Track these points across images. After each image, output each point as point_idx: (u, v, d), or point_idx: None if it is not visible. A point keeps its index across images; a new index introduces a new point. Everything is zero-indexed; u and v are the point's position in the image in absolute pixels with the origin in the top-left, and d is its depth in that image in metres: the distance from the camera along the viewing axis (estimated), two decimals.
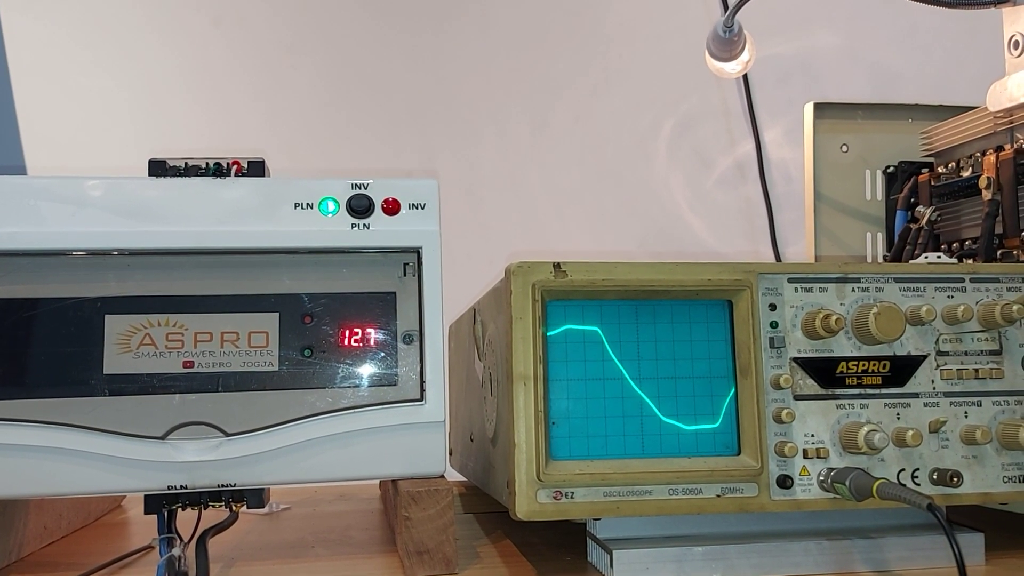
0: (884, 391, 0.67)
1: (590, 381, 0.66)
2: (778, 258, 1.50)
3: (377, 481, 1.01)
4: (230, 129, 1.51)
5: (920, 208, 0.99)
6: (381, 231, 0.71)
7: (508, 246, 1.53)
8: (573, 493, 0.63)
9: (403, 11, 1.57)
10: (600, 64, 1.60)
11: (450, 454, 1.05)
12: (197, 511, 0.70)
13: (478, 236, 1.55)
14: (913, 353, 0.68)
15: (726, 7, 1.51)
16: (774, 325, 0.67)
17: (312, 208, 0.71)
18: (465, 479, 0.98)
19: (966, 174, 0.95)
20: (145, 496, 0.68)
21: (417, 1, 1.58)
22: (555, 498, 0.63)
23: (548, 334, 0.65)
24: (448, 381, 1.04)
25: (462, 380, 0.93)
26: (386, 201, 0.72)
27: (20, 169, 1.45)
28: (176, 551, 0.67)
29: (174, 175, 0.70)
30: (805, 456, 0.66)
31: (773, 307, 0.67)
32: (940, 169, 0.99)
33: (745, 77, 1.54)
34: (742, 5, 0.95)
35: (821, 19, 1.59)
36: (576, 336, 0.66)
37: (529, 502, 0.63)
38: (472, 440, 0.86)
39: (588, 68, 1.59)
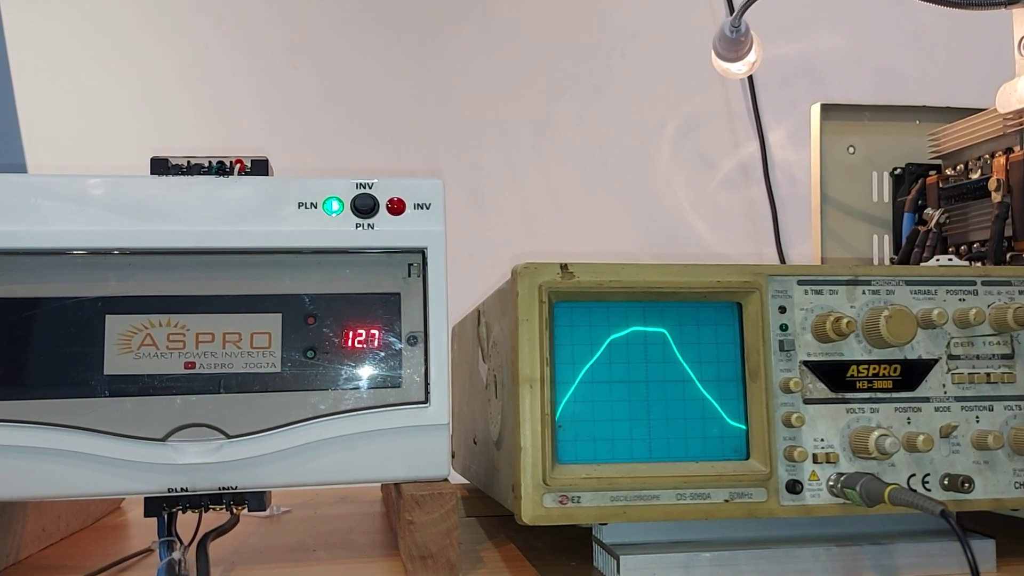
0: (895, 395, 0.67)
1: (596, 384, 0.65)
2: (782, 260, 1.49)
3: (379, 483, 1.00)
4: (232, 128, 1.50)
5: (928, 210, 0.98)
6: (386, 231, 0.70)
7: (510, 247, 1.52)
8: (579, 497, 0.63)
9: (405, 11, 1.56)
10: (603, 64, 1.59)
11: (452, 457, 1.04)
12: (198, 514, 0.69)
13: (480, 237, 1.54)
14: (924, 357, 0.67)
15: (731, 8, 1.50)
16: (784, 328, 0.66)
17: (316, 208, 0.70)
18: (468, 482, 0.97)
19: (975, 176, 0.94)
20: (145, 498, 0.67)
21: (420, 1, 1.57)
22: (561, 502, 0.62)
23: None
24: (451, 383, 1.03)
25: (465, 382, 0.92)
26: (391, 201, 0.71)
27: (21, 168, 1.45)
28: (176, 554, 0.66)
29: (176, 174, 0.69)
30: (815, 461, 0.65)
31: (783, 309, 0.67)
32: (948, 171, 0.98)
33: (749, 78, 1.54)
34: (749, 5, 0.95)
35: (825, 20, 1.59)
36: (582, 338, 0.65)
37: (535, 506, 0.62)
38: (476, 443, 0.85)
39: (591, 68, 1.59)
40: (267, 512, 0.90)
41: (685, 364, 0.66)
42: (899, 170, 1.07)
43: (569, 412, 0.64)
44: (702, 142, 1.59)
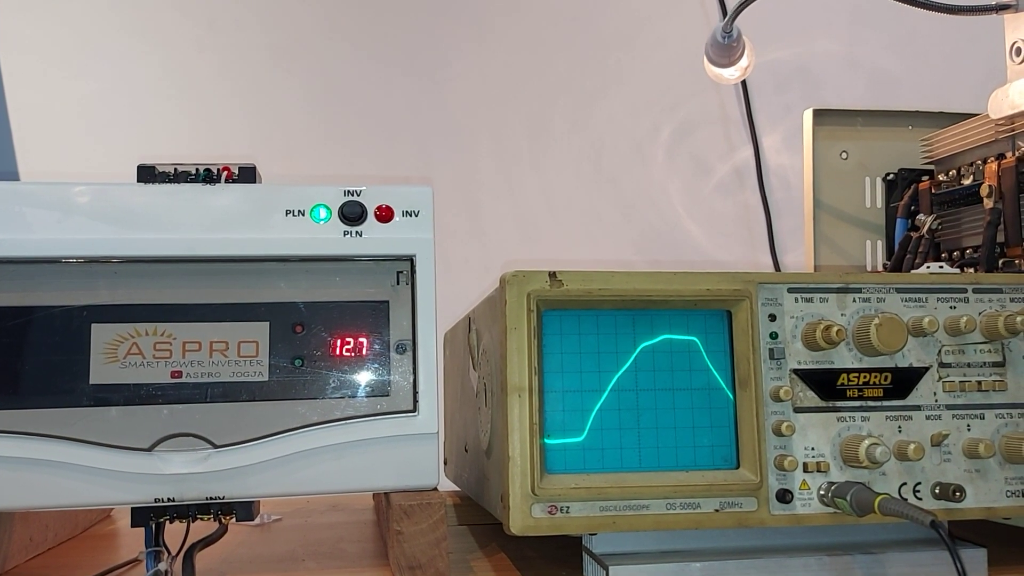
0: (885, 404, 0.66)
1: (585, 392, 0.64)
2: (777, 266, 1.49)
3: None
4: (225, 134, 1.50)
5: (920, 216, 0.98)
6: (374, 239, 0.70)
7: (505, 252, 1.52)
8: (568, 507, 0.62)
9: (400, 16, 1.56)
10: (598, 70, 1.59)
11: (445, 464, 1.04)
12: (185, 524, 0.68)
13: (475, 242, 1.54)
14: (915, 365, 0.67)
15: (725, 12, 1.50)
16: (774, 336, 0.66)
17: (304, 215, 0.69)
18: (460, 489, 0.97)
19: (967, 182, 0.94)
20: (132, 509, 0.67)
21: (414, 6, 1.57)
22: (550, 512, 0.62)
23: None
24: (443, 389, 1.03)
25: (457, 389, 0.92)
26: (379, 208, 0.70)
27: (12, 175, 1.44)
28: (163, 565, 0.66)
29: (163, 181, 0.69)
30: (805, 470, 0.65)
31: (773, 317, 0.66)
32: (941, 177, 0.98)
33: (744, 83, 1.53)
34: (741, 10, 0.94)
35: (820, 25, 1.59)
36: (572, 346, 0.65)
37: (523, 517, 0.61)
38: (467, 451, 0.85)
39: (585, 74, 1.58)
40: (257, 521, 0.90)
41: (675, 372, 0.65)
42: (892, 176, 1.06)
43: (557, 421, 0.64)
44: (697, 147, 1.59)
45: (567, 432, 0.64)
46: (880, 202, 1.08)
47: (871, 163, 1.08)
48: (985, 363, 0.68)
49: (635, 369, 0.65)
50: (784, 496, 0.64)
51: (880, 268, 1.07)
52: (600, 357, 0.65)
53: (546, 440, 0.63)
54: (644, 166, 1.58)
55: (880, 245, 1.08)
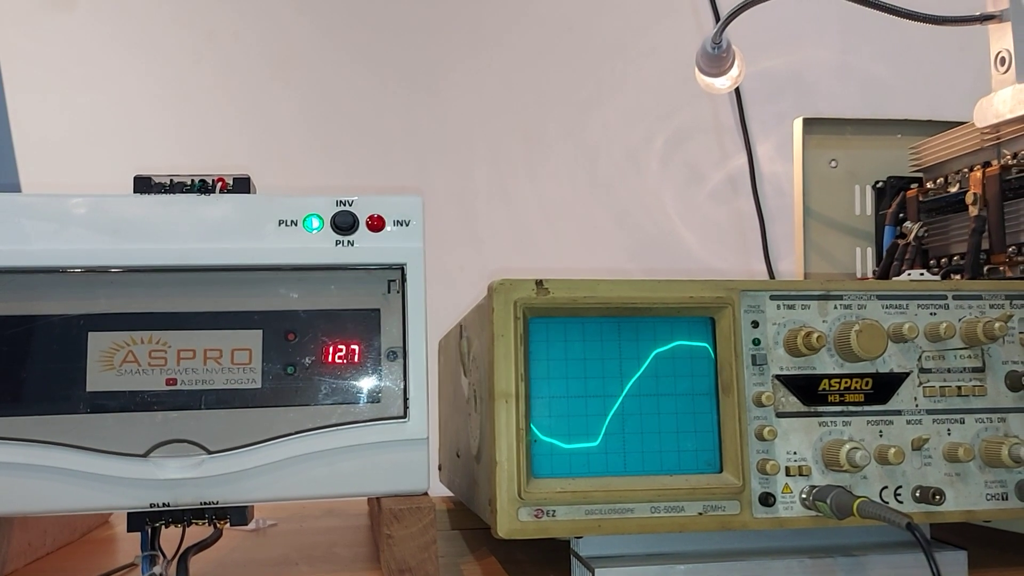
0: (866, 408, 0.67)
1: (572, 398, 0.66)
2: (771, 272, 1.50)
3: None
4: (220, 145, 1.51)
5: (908, 223, 0.99)
6: (365, 248, 0.71)
7: (500, 260, 1.53)
8: (555, 511, 0.63)
9: (396, 27, 1.58)
10: (593, 78, 1.60)
11: (439, 469, 1.05)
12: (180, 529, 0.70)
13: (471, 250, 1.55)
14: (896, 370, 0.68)
15: (718, 20, 1.51)
16: (756, 342, 0.67)
17: (296, 225, 0.71)
18: (453, 494, 0.98)
19: (953, 190, 0.95)
20: (128, 514, 0.68)
21: (410, 17, 1.58)
22: (536, 516, 0.63)
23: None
24: (438, 395, 1.04)
25: (450, 395, 0.93)
26: (371, 218, 0.72)
27: (15, 187, 1.46)
28: (158, 569, 0.67)
29: (159, 192, 0.70)
30: (787, 474, 0.66)
31: (755, 324, 0.67)
32: (928, 184, 0.99)
33: (737, 91, 1.55)
34: (729, 22, 0.96)
35: (813, 33, 1.60)
36: (558, 353, 0.66)
37: (510, 520, 0.63)
38: (458, 456, 0.86)
39: (581, 82, 1.60)
40: (253, 526, 0.91)
41: (659, 378, 0.67)
42: (881, 183, 1.07)
43: (545, 426, 0.65)
44: (691, 155, 1.60)
45: (554, 436, 0.65)
46: (870, 209, 1.09)
47: (861, 171, 1.09)
48: (965, 368, 0.69)
49: (620, 375, 0.66)
50: (766, 499, 0.65)
51: (870, 275, 1.08)
52: (586, 364, 0.66)
53: (539, 437, 0.64)
54: (638, 174, 1.59)
55: (870, 252, 1.09)
